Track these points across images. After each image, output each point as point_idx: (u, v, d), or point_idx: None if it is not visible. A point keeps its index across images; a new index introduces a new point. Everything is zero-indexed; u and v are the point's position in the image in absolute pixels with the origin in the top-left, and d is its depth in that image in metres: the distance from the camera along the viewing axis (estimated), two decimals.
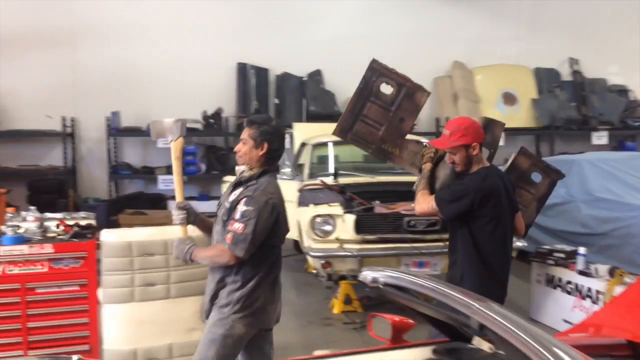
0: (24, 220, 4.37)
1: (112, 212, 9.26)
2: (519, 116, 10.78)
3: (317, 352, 4.33)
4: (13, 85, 9.71)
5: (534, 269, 5.80)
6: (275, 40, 10.53)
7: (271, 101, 10.71)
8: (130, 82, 10.11)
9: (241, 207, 3.06)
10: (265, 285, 3.15)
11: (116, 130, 9.89)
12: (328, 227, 5.34)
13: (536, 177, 4.32)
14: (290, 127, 9.62)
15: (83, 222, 4.54)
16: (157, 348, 4.10)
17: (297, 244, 7.71)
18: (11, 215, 4.44)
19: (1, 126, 9.79)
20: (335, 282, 5.81)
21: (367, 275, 2.41)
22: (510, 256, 3.72)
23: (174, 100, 10.08)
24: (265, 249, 3.12)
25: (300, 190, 5.94)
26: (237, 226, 3.02)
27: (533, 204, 4.23)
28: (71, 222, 4.51)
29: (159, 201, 9.98)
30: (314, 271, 5.90)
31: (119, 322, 4.09)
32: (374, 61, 4.16)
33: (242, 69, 10.45)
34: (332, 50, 10.62)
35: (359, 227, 5.41)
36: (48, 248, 4.19)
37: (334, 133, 4.26)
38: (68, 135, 9.87)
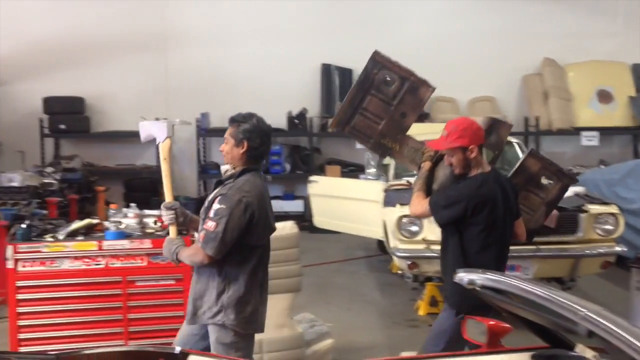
0: (125, 216, 4.60)
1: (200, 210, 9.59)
2: (616, 115, 10.27)
3: (404, 354, 4.32)
4: (112, 89, 10.28)
5: (634, 275, 5.48)
6: (359, 40, 10.48)
7: None
8: (218, 84, 10.45)
9: (215, 206, 3.03)
10: (253, 288, 3.10)
11: (205, 131, 10.24)
12: (415, 228, 5.27)
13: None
14: None
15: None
16: None
17: (381, 244, 7.68)
18: (113, 211, 4.69)
19: (101, 128, 10.38)
20: (421, 284, 5.74)
21: (463, 277, 2.37)
22: (505, 265, 3.57)
23: (260, 101, 10.23)
24: (246, 250, 3.08)
25: (386, 191, 5.91)
26: (210, 224, 2.99)
27: (542, 209, 4.00)
28: None
29: None
30: (399, 272, 5.86)
31: None
32: (376, 53, 3.98)
33: (327, 69, 10.55)
34: (417, 50, 10.47)
35: None
36: (147, 243, 4.39)
37: (332, 125, 4.18)
38: None
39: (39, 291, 4.26)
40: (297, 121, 10.35)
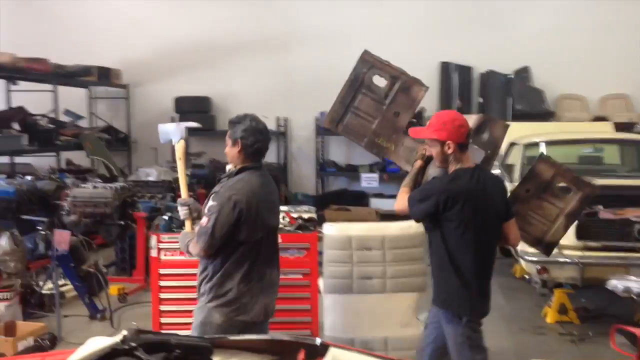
0: None
1: (318, 207, 9.77)
2: None
3: None
4: (236, 88, 10.73)
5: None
6: (479, 37, 10.29)
7: (474, 100, 10.48)
8: (337, 83, 10.38)
9: (209, 203, 3.24)
10: (237, 278, 3.22)
11: (324, 130, 10.40)
12: None
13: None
14: None
15: (306, 215, 4.85)
16: (373, 340, 4.22)
17: (502, 247, 7.44)
18: None
19: (225, 126, 10.69)
20: (550, 290, 5.50)
21: (616, 284, 2.24)
22: (489, 265, 3.37)
23: None
24: (233, 244, 3.20)
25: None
26: (203, 220, 3.21)
27: (560, 220, 3.66)
28: (295, 215, 4.85)
29: (362, 198, 10.31)
30: (526, 276, 5.66)
31: (338, 312, 4.30)
32: (365, 52, 3.92)
33: (445, 67, 10.37)
34: (540, 45, 10.08)
35: (581, 233, 5.06)
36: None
37: (324, 124, 4.02)
38: (281, 134, 10.64)
39: (178, 279, 4.54)
40: (415, 120, 10.18)
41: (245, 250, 3.25)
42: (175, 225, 4.62)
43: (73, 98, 10.59)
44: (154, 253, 4.54)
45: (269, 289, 3.37)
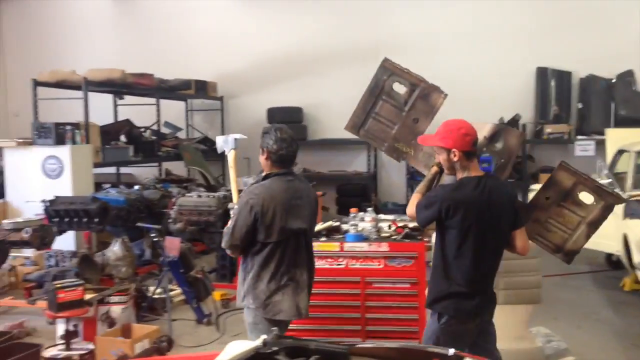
0: (362, 220, 4.82)
1: None
2: None
3: None
4: (327, 99, 10.86)
5: None
6: (578, 41, 9.91)
7: (574, 106, 10.09)
8: None
9: (235, 206, 3.62)
10: (265, 278, 3.45)
11: None
12: None
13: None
14: (599, 133, 8.95)
15: (412, 225, 4.83)
16: None
17: (609, 258, 7.11)
18: (352, 215, 4.94)
19: (316, 136, 11.00)
20: None
21: None
22: (488, 275, 3.34)
23: (471, 107, 10.06)
24: (258, 245, 3.45)
25: (628, 201, 5.45)
26: (229, 221, 3.52)
27: (582, 229, 3.65)
28: (401, 224, 4.84)
29: None
30: None
31: None
32: (385, 60, 4.02)
33: (542, 73, 10.05)
34: None
35: None
36: (384, 246, 4.56)
37: (346, 128, 4.17)
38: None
39: None
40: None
41: (269, 252, 3.46)
42: None
43: (172, 111, 11.07)
44: None
45: (300, 289, 3.54)
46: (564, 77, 9.99)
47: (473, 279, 3.26)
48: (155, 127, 10.21)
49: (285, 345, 2.29)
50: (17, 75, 11.89)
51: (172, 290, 6.35)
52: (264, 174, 3.60)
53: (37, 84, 8.49)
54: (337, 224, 4.88)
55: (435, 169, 3.57)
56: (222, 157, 10.99)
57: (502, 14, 10.28)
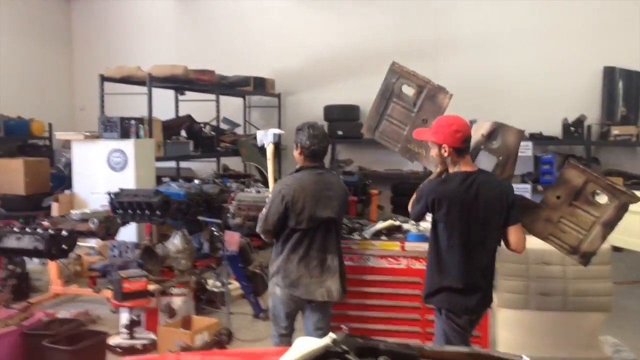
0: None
1: None
2: None
3: None
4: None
5: None
6: None
7: None
8: (488, 90, 10.28)
9: (269, 194, 3.99)
10: (295, 260, 3.80)
11: None
12: None
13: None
14: None
15: None
16: None
17: None
18: None
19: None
20: None
21: None
22: (481, 270, 3.36)
23: (532, 107, 9.93)
24: (288, 231, 3.81)
25: None
26: (263, 209, 3.88)
27: (596, 229, 3.59)
28: None
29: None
30: None
31: (513, 328, 4.15)
32: (393, 64, 4.20)
33: (610, 72, 9.69)
34: None
35: None
36: None
37: (363, 131, 4.36)
38: None
39: (347, 285, 4.61)
40: (573, 129, 9.68)
41: (299, 238, 3.81)
42: (344, 231, 4.70)
43: (231, 107, 11.23)
44: None
45: (330, 273, 3.86)
46: (632, 76, 9.61)
47: (464, 273, 3.31)
48: (214, 123, 10.37)
49: (356, 344, 2.28)
50: (84, 70, 12.30)
51: (230, 284, 6.45)
52: (298, 167, 3.95)
53: (104, 79, 8.75)
54: (398, 223, 4.83)
55: (440, 167, 3.57)
56: (278, 153, 11.10)
57: (567, 11, 9.96)
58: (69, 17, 12.94)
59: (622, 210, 3.57)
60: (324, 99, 10.84)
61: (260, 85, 10.77)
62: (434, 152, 3.42)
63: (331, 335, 2.35)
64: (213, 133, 9.93)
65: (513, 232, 3.39)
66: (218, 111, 10.42)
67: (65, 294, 6.62)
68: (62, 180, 9.67)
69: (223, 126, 10.74)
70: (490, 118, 10.55)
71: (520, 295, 4.12)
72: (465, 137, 3.35)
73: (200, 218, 6.44)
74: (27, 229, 5.48)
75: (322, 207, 3.82)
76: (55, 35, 12.56)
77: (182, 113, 10.76)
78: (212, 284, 6.54)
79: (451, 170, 3.39)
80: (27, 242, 5.29)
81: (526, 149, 9.38)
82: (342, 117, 10.67)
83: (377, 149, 10.93)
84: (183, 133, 9.43)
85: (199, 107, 10.69)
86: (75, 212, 6.26)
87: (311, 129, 3.88)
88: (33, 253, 5.49)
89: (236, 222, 6.99)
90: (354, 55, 10.99)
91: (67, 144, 10.05)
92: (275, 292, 3.90)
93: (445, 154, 3.35)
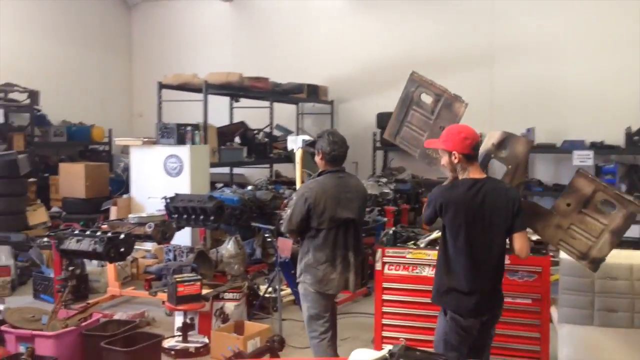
0: None
1: None
2: None
3: None
4: None
5: None
6: None
7: None
8: (546, 98, 10.00)
9: (292, 197, 4.38)
10: (321, 259, 4.05)
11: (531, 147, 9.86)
12: None
13: None
14: None
15: (534, 237, 4.57)
16: None
17: None
18: None
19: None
20: None
21: None
22: (487, 274, 3.44)
23: (592, 116, 9.61)
24: (312, 231, 4.07)
25: None
26: (287, 209, 4.27)
27: (605, 236, 3.72)
28: None
29: None
30: None
31: (576, 344, 3.98)
32: (413, 73, 4.40)
33: None
34: None
35: None
36: (505, 260, 4.33)
37: (385, 136, 4.59)
38: None
39: (400, 294, 4.54)
40: (638, 138, 9.29)
41: (323, 237, 4.06)
42: (399, 240, 4.63)
43: (284, 114, 11.30)
44: (378, 266, 4.58)
45: (349, 267, 4.15)
46: None
47: (470, 276, 3.40)
48: (267, 130, 10.45)
49: (414, 357, 2.22)
50: (142, 78, 12.63)
51: (282, 290, 6.45)
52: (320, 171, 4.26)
53: (161, 86, 8.95)
54: None
55: (452, 174, 3.68)
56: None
57: (630, 16, 9.57)
58: (129, 26, 13.32)
59: (629, 219, 3.70)
60: (377, 106, 10.75)
61: (313, 92, 10.80)
62: (444, 159, 3.56)
63: (388, 348, 2.30)
64: (266, 140, 10.00)
65: (517, 239, 3.47)
66: (271, 118, 10.51)
67: (122, 295, 6.76)
68: (121, 184, 9.94)
69: (276, 133, 10.81)
70: (548, 126, 10.30)
71: (584, 310, 3.96)
72: (473, 144, 3.48)
73: (253, 224, 6.47)
74: (87, 232, 5.63)
75: (342, 208, 4.09)
76: (116, 44, 12.96)
77: (236, 120, 10.90)
78: (265, 289, 6.55)
79: (461, 177, 3.51)
80: (86, 245, 5.42)
81: (587, 158, 9.08)
82: None
83: None
84: (237, 139, 9.55)
85: (253, 114, 10.80)
86: (132, 216, 6.41)
87: (331, 135, 4.19)
88: (92, 255, 5.63)
89: None
90: (407, 62, 10.80)
91: (125, 149, 10.33)
92: (306, 293, 4.14)
93: (456, 161, 3.47)
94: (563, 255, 4.06)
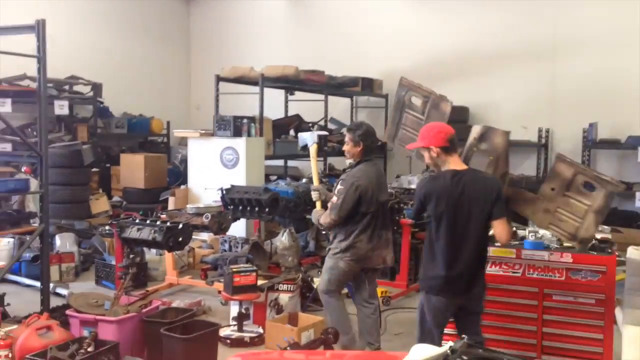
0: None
1: None
2: None
3: None
4: (496, 98, 10.41)
5: None
6: None
7: None
8: (610, 93, 9.61)
9: (338, 187, 4.56)
10: (363, 238, 4.50)
11: (592, 142, 9.54)
12: None
13: None
14: None
15: (599, 235, 4.43)
16: None
17: None
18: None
19: None
20: None
21: None
22: (466, 259, 3.61)
23: None
24: (358, 216, 4.48)
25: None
26: (334, 199, 4.52)
27: (590, 216, 4.00)
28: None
29: (635, 219, 9.21)
30: None
31: None
32: (402, 78, 4.80)
33: None
34: None
35: None
36: (567, 257, 4.22)
37: (384, 139, 4.92)
38: (542, 146, 10.02)
39: None
40: None
41: (368, 220, 4.49)
42: None
43: (338, 107, 11.30)
44: None
45: (385, 245, 4.63)
46: None
47: (450, 261, 3.60)
48: (322, 123, 10.47)
49: (477, 355, 2.18)
50: (200, 71, 12.86)
51: None
52: (354, 161, 4.61)
53: (219, 79, 9.07)
54: (514, 229, 4.61)
55: (437, 170, 3.83)
56: (384, 154, 10.98)
57: None
58: (188, 19, 13.57)
59: (609, 198, 3.96)
60: None
61: (368, 85, 10.73)
62: (426, 156, 3.74)
63: (449, 344, 2.27)
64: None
65: (497, 226, 3.65)
66: (326, 111, 10.50)
67: (179, 284, 6.92)
68: (178, 175, 10.17)
69: (330, 126, 10.82)
70: (611, 122, 9.91)
71: None
72: (447, 137, 3.64)
73: (307, 216, 6.50)
74: (147, 221, 5.78)
75: (381, 192, 4.58)
76: (175, 38, 13.22)
77: (291, 113, 10.95)
78: (318, 281, 6.58)
79: (444, 168, 3.69)
80: (146, 234, 5.57)
81: None
82: (452, 118, 10.18)
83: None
84: (292, 132, 9.59)
85: (308, 107, 10.83)
86: (190, 207, 6.53)
87: (369, 128, 4.58)
88: (151, 244, 5.78)
89: None
90: (464, 56, 10.69)
91: (183, 141, 10.55)
92: (340, 266, 4.56)
93: (435, 155, 3.67)
94: (630, 254, 3.91)
